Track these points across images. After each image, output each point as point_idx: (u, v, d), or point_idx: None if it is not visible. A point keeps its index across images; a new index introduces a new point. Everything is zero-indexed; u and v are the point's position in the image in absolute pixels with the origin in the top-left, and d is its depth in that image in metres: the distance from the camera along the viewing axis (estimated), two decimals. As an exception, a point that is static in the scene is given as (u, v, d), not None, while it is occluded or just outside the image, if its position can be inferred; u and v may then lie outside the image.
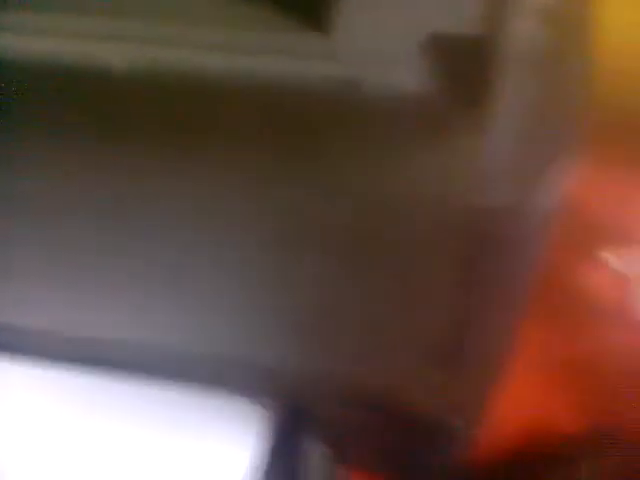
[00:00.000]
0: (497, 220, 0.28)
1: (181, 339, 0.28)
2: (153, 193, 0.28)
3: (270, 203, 0.28)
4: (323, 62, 0.29)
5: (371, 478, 0.46)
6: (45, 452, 0.39)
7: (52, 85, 0.28)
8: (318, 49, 0.29)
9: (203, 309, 0.28)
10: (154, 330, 0.28)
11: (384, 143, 0.29)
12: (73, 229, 0.29)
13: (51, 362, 0.30)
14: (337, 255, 0.26)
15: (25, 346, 0.31)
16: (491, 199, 0.28)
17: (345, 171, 0.28)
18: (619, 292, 0.49)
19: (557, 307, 0.50)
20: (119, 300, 0.29)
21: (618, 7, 0.45)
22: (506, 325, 0.34)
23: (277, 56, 0.28)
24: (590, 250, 0.50)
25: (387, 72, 0.29)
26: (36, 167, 0.29)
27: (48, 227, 0.29)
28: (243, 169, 0.28)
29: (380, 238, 0.27)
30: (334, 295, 0.26)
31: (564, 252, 0.51)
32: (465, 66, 0.30)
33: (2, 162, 0.29)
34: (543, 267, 0.50)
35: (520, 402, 0.47)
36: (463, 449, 0.36)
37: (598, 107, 0.36)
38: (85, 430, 0.39)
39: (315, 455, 0.42)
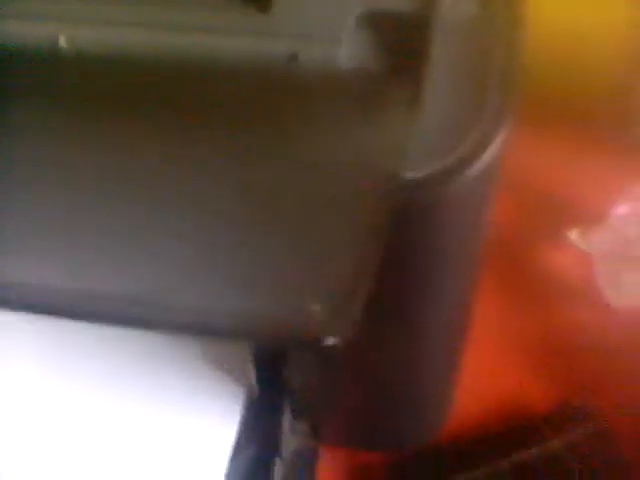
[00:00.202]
0: (423, 188, 0.29)
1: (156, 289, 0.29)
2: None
3: (216, 169, 0.29)
4: (262, 39, 0.31)
5: (340, 453, 0.47)
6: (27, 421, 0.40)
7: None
8: (257, 26, 0.31)
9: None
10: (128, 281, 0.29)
11: (322, 115, 0.30)
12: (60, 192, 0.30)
13: (34, 313, 0.31)
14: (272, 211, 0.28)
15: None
16: (420, 168, 0.29)
17: (282, 140, 0.30)
18: (584, 271, 0.51)
19: (523, 287, 0.52)
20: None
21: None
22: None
23: (218, 33, 0.30)
24: (555, 230, 0.51)
25: (325, 48, 0.31)
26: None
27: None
28: (190, 140, 0.30)
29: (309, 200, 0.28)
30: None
31: (529, 232, 0.53)
32: (399, 41, 0.31)
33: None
34: (509, 247, 0.52)
35: (491, 379, 0.48)
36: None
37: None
38: (56, 395, 0.41)
39: (290, 429, 0.43)
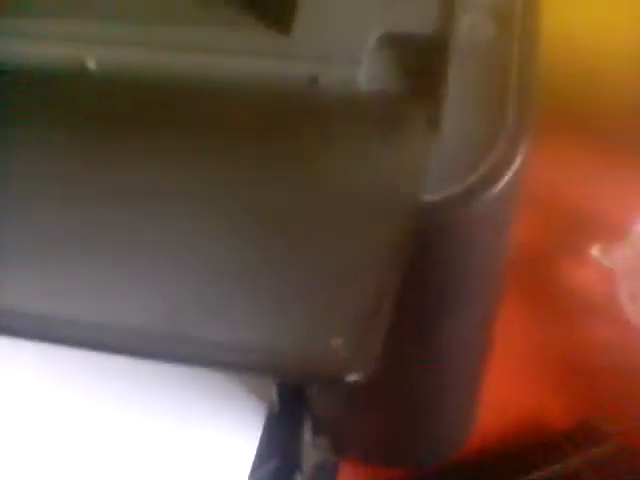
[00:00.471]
0: (442, 210, 0.29)
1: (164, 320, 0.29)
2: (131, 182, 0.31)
3: (234, 189, 0.30)
4: (283, 60, 0.31)
5: (361, 468, 0.47)
6: (39, 437, 0.41)
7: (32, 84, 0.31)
8: (278, 48, 0.31)
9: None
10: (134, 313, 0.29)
11: (342, 137, 0.31)
12: (57, 216, 0.30)
13: (44, 342, 0.32)
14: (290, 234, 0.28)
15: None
16: (439, 190, 0.29)
17: (301, 161, 0.30)
18: (606, 287, 0.50)
19: (545, 303, 0.52)
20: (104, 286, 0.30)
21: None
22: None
23: (239, 54, 0.31)
24: (577, 246, 0.51)
25: (345, 70, 0.31)
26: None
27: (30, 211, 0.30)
28: (206, 157, 0.30)
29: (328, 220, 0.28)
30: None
31: (551, 248, 0.53)
32: (418, 63, 0.31)
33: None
34: (531, 263, 0.52)
35: (512, 396, 0.48)
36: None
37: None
38: (83, 414, 0.41)
39: (310, 444, 0.43)
